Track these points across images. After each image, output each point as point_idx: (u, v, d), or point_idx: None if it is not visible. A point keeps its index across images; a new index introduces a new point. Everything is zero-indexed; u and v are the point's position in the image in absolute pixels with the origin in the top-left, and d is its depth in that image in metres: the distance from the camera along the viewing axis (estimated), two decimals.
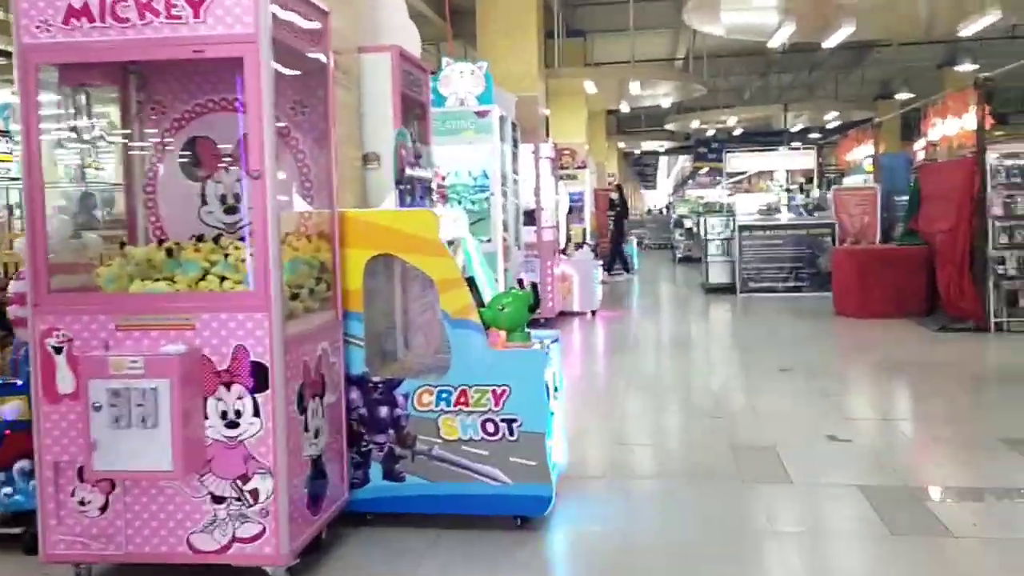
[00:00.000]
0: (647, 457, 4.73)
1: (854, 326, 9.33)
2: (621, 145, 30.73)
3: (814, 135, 26.70)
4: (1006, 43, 17.70)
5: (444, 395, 3.56)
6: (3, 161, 10.43)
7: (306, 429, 3.13)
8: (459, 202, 7.24)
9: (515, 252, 7.45)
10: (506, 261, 7.15)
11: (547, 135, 14.57)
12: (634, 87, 16.05)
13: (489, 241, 6.91)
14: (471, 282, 3.97)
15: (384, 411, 3.60)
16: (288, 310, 3.10)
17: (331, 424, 3.40)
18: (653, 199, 56.74)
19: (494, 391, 3.53)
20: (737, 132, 27.46)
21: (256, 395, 2.90)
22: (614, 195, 13.31)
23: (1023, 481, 4.09)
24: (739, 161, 16.91)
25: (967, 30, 12.47)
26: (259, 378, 2.89)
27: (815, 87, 26.17)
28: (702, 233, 14.09)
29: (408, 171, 3.63)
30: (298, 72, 3.41)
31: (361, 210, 3.57)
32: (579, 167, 16.72)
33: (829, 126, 26.95)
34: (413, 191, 3.66)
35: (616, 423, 5.39)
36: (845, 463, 4.46)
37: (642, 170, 54.45)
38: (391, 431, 3.60)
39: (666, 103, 19.48)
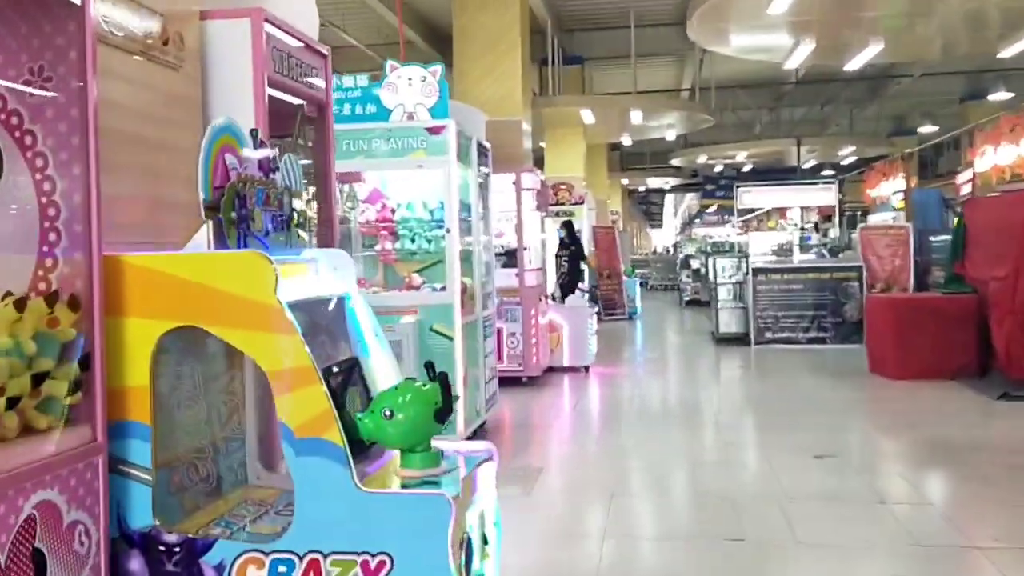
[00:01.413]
0: None
1: (895, 390, 7.81)
2: (624, 181, 29.46)
3: (827, 172, 25.37)
4: None
5: (282, 567, 2.10)
6: None
7: None
8: (412, 240, 5.82)
9: (481, 302, 6.01)
10: (467, 314, 5.70)
11: (537, 166, 13.23)
12: (636, 116, 14.72)
13: (443, 289, 5.47)
14: (351, 370, 2.52)
15: None
16: None
17: None
18: (660, 238, 55.50)
19: (365, 563, 2.07)
20: (746, 168, 26.13)
21: None
22: (562, 232, 11.31)
23: None
24: (752, 197, 15.50)
25: (1008, 51, 11.12)
26: None
27: (827, 122, 24.92)
28: (711, 276, 12.67)
29: (238, 189, 2.21)
30: (26, 20, 2.00)
31: (146, 254, 2.14)
32: (576, 203, 15.35)
33: (844, 162, 25.62)
34: (246, 224, 2.24)
35: (602, 557, 3.88)
36: None
37: (648, 208, 53.24)
38: None
39: (671, 135, 18.17)
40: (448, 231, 5.40)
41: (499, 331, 8.26)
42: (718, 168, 26.46)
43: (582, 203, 15.38)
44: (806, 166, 25.39)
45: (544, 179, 9.38)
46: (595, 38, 16.39)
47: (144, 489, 2.14)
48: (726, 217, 33.43)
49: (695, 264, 19.37)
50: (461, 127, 5.63)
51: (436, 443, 2.45)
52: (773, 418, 6.86)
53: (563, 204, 15.33)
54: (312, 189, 3.43)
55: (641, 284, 26.16)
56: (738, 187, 14.54)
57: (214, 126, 2.20)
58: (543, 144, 17.09)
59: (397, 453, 2.34)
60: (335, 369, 2.44)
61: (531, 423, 6.83)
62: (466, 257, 5.91)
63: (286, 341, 2.09)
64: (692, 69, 17.81)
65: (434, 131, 5.34)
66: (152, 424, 2.14)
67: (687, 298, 18.98)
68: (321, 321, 2.58)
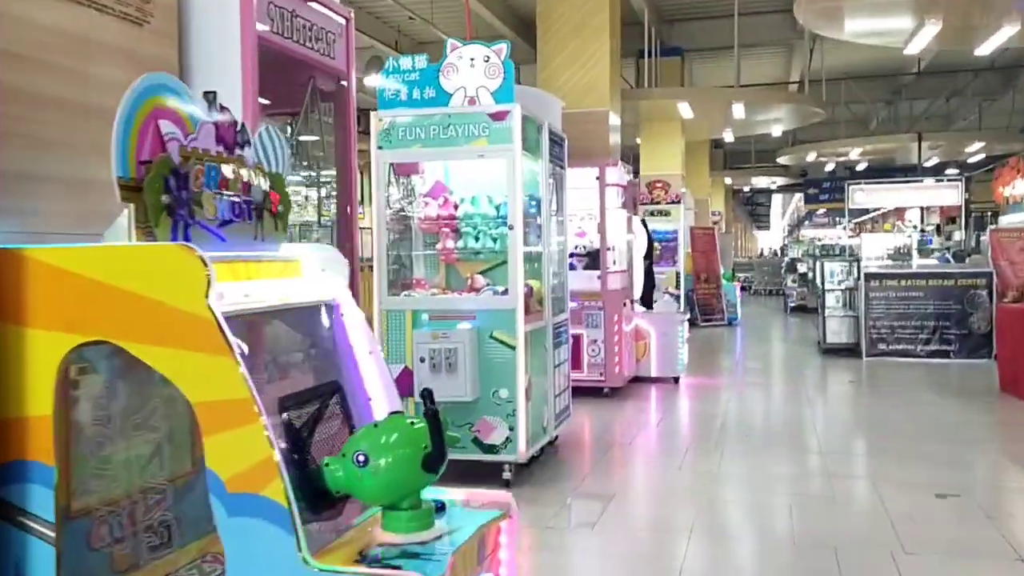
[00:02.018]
0: None
1: None
2: (728, 181, 28.24)
3: (951, 171, 23.51)
4: None
5: None
6: None
7: None
8: (476, 238, 5.29)
9: (550, 307, 5.42)
10: (534, 320, 5.13)
11: (632, 163, 12.56)
12: (738, 110, 13.81)
13: (505, 292, 4.91)
14: (328, 398, 2.00)
15: None
16: None
17: None
18: (767, 240, 53.45)
19: None
20: (860, 166, 24.53)
21: None
22: None
23: None
24: (865, 196, 14.31)
25: None
26: None
27: (953, 116, 23.11)
28: (818, 280, 11.69)
29: (173, 164, 1.72)
30: None
31: (49, 247, 1.67)
32: (672, 201, 14.58)
33: (970, 160, 23.69)
34: (187, 210, 1.75)
35: None
36: None
37: (754, 209, 51.36)
38: None
39: (777, 131, 17.10)
40: (511, 228, 4.85)
41: (578, 338, 7.68)
42: (829, 167, 24.94)
43: (679, 202, 14.61)
44: (927, 164, 23.63)
45: (630, 175, 8.69)
46: (696, 28, 15.54)
47: (45, 548, 1.67)
48: (837, 219, 31.66)
49: (801, 268, 18.21)
50: (530, 113, 5.07)
51: (441, 492, 1.92)
52: (887, 445, 6.00)
53: (659, 203, 14.61)
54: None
55: (744, 288, 25.00)
56: (850, 185, 13.43)
57: (142, 80, 1.72)
58: (639, 140, 16.34)
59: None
60: (306, 397, 1.93)
61: (608, 440, 6.20)
62: (534, 257, 5.35)
63: (218, 364, 1.59)
64: (801, 60, 16.69)
65: (497, 117, 4.80)
66: (57, 465, 1.67)
67: (792, 304, 17.84)
68: (300, 335, 2.08)
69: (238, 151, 1.97)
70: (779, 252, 34.04)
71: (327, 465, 1.74)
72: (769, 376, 9.79)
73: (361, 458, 1.71)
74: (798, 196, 37.01)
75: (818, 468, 5.41)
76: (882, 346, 10.01)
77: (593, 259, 7.90)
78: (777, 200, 47.84)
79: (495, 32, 13.55)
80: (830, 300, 11.00)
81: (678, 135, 15.58)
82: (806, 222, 42.93)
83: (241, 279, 1.85)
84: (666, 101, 13.74)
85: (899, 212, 18.17)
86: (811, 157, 22.15)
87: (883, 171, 24.83)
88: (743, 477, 5.21)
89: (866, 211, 18.91)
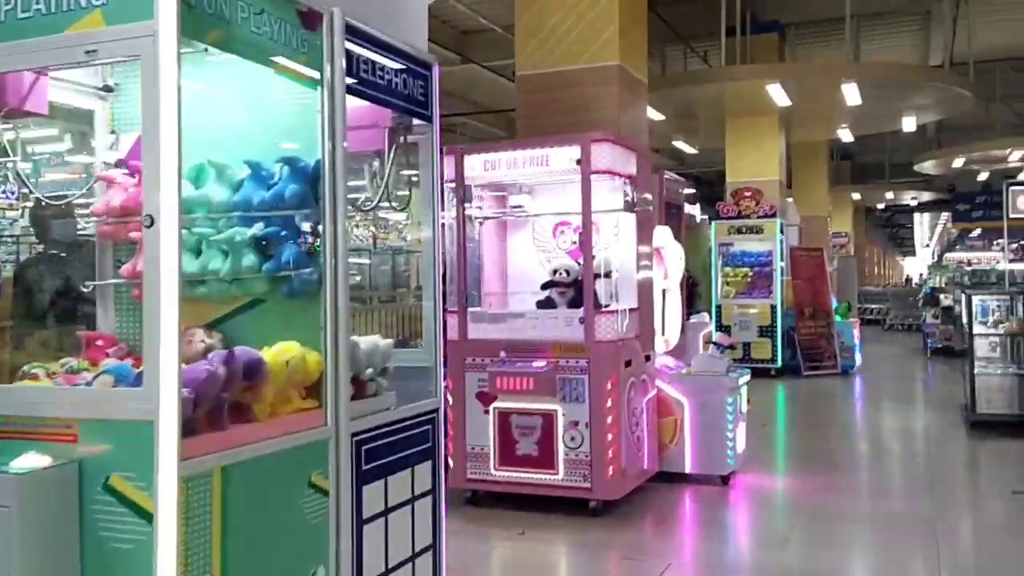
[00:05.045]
0: None
1: None
2: (855, 196, 24.22)
3: None
4: None
5: None
6: None
7: None
8: (196, 252, 2.54)
9: (333, 401, 2.55)
10: (256, 434, 2.30)
11: (703, 163, 9.53)
12: (850, 92, 10.43)
13: (139, 379, 2.11)
14: None
15: None
16: None
17: None
18: (914, 267, 48.01)
19: None
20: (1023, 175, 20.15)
21: None
22: None
23: None
24: None
25: None
26: None
27: None
28: (965, 318, 8.25)
29: None
30: None
31: None
32: (766, 215, 11.32)
33: None
34: None
35: None
36: None
37: (896, 232, 45.95)
38: None
39: (909, 124, 13.46)
40: (149, 224, 2.05)
41: (550, 419, 4.79)
42: (982, 176, 20.67)
43: (773, 215, 11.34)
44: None
45: (642, 161, 5.66)
46: None
47: None
48: (996, 242, 26.96)
49: (945, 300, 14.38)
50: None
51: None
52: None
53: (747, 216, 11.39)
54: None
55: (875, 323, 21.03)
56: (1010, 186, 9.83)
57: None
58: (664, 117, 13.04)
59: None
60: None
61: None
62: (298, 293, 2.55)
63: None
64: (941, 38, 13.08)
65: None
66: None
67: (934, 345, 14.04)
68: None
69: None
70: (916, 281, 29.51)
71: None
72: (878, 474, 6.43)
73: None
74: (946, 215, 32.23)
75: None
76: None
77: (579, 292, 5.00)
78: (925, 221, 42.63)
79: None
80: (982, 348, 7.61)
81: (774, 133, 12.30)
82: (957, 246, 37.78)
83: None
84: (754, 84, 10.53)
85: None
86: (958, 163, 18.11)
87: None
88: None
89: None
